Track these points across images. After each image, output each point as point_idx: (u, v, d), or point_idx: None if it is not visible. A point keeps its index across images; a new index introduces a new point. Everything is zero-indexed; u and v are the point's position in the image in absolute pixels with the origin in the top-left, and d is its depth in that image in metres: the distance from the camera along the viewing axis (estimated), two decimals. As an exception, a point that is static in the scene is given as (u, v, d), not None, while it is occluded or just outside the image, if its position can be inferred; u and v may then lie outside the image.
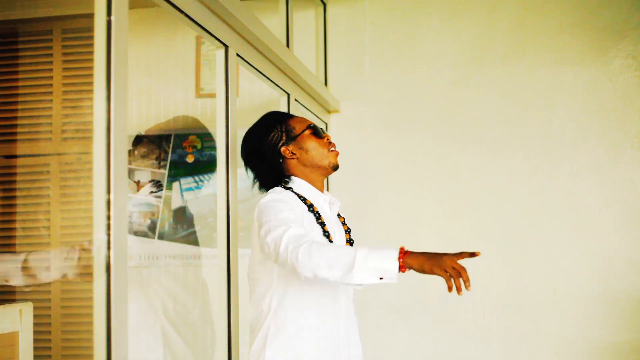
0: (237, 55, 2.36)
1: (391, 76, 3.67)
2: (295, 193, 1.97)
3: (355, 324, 2.16)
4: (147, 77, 3.62)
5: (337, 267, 1.66)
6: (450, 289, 1.60)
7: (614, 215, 3.36)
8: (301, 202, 1.97)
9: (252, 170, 2.11)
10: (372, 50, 3.72)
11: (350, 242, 2.10)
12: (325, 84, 3.76)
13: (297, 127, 2.06)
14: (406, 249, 1.66)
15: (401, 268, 1.64)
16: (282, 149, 2.03)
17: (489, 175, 3.50)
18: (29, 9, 3.24)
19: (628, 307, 3.30)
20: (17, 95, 3.31)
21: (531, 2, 3.55)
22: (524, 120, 3.48)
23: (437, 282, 3.53)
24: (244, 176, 3.37)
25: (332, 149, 2.09)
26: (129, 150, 3.20)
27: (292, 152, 2.03)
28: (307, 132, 2.05)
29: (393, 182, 3.62)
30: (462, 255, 1.63)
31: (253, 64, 2.56)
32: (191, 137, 3.44)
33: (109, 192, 1.47)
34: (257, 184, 2.10)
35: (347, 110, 3.76)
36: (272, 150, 2.04)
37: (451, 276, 1.60)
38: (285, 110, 3.02)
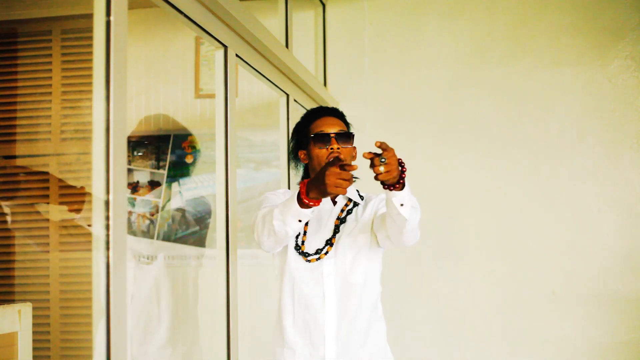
0: (237, 55, 2.36)
1: (390, 76, 3.67)
2: None
3: (361, 323, 2.02)
4: (147, 77, 3.62)
5: (273, 230, 1.81)
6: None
7: (613, 215, 3.36)
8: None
9: (298, 168, 2.18)
10: (371, 50, 3.72)
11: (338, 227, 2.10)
12: (325, 84, 3.75)
13: (310, 132, 2.05)
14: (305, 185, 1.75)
15: (307, 203, 1.74)
16: (299, 152, 2.09)
17: (488, 175, 3.50)
18: (28, 9, 3.25)
19: (628, 307, 3.30)
20: (16, 95, 3.31)
21: (530, 2, 3.55)
22: (523, 120, 3.48)
23: (437, 282, 3.54)
24: (243, 177, 3.38)
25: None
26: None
27: (304, 157, 2.08)
28: (312, 139, 2.03)
29: (392, 183, 3.62)
30: (335, 164, 1.76)
31: (252, 65, 2.56)
32: (190, 138, 3.44)
33: (108, 192, 1.47)
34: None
35: (346, 110, 3.67)
36: (294, 152, 2.12)
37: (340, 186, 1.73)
38: (284, 111, 3.01)
